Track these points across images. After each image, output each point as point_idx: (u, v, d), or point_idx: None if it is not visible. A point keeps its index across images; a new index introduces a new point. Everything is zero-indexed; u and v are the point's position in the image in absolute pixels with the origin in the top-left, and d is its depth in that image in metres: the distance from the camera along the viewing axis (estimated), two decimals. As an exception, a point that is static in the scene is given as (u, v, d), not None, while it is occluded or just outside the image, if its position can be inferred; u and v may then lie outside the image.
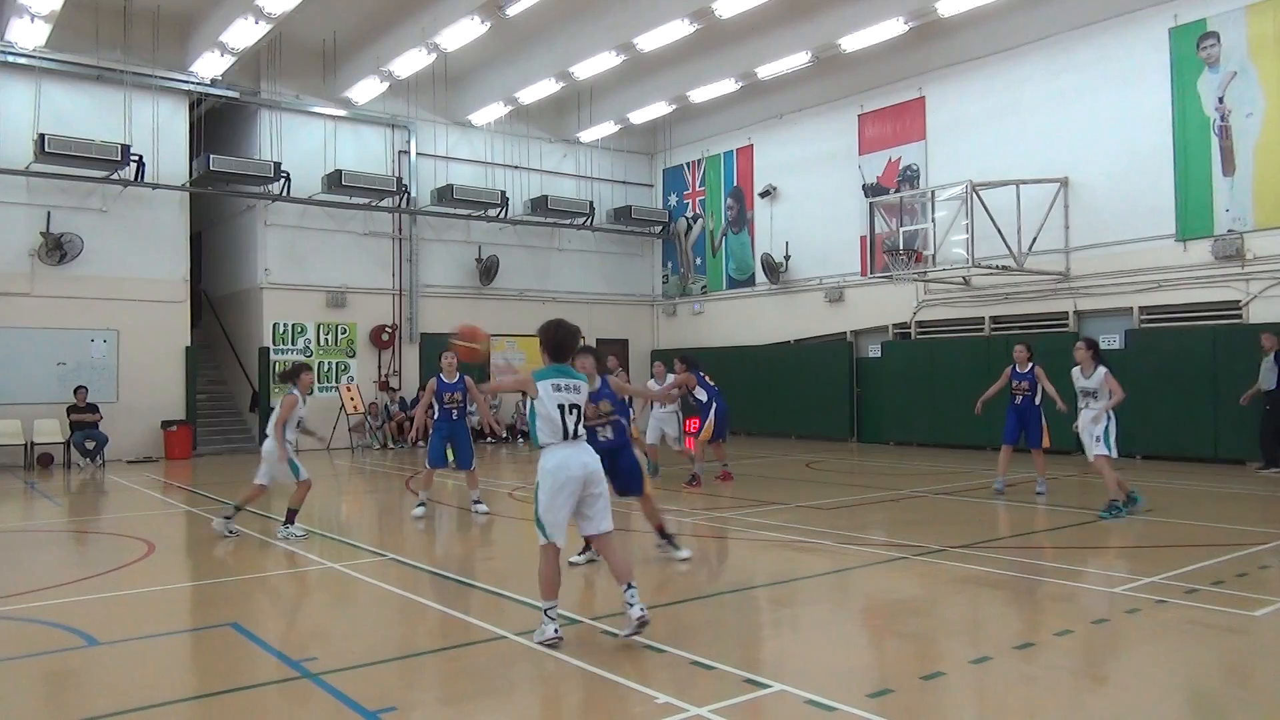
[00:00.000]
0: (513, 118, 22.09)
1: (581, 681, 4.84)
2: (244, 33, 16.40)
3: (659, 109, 21.42)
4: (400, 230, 21.60)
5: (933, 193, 16.60)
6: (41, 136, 16.58)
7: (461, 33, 16.56)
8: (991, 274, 16.70)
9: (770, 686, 4.61)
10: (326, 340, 20.58)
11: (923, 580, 7.04)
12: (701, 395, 12.68)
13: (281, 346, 19.99)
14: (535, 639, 5.31)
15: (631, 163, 25.09)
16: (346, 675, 4.89)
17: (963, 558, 7.69)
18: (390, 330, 21.26)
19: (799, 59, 18.18)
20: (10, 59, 16.99)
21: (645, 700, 4.45)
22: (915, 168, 19.02)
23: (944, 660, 5.15)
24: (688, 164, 24.51)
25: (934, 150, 18.73)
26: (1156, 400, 14.88)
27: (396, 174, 21.17)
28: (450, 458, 10.84)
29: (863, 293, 19.96)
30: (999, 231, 15.74)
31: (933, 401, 17.96)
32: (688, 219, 24.52)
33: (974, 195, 15.51)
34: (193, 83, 18.74)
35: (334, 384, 20.29)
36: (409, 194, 21.29)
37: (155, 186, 18.36)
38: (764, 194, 22.19)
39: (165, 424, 18.29)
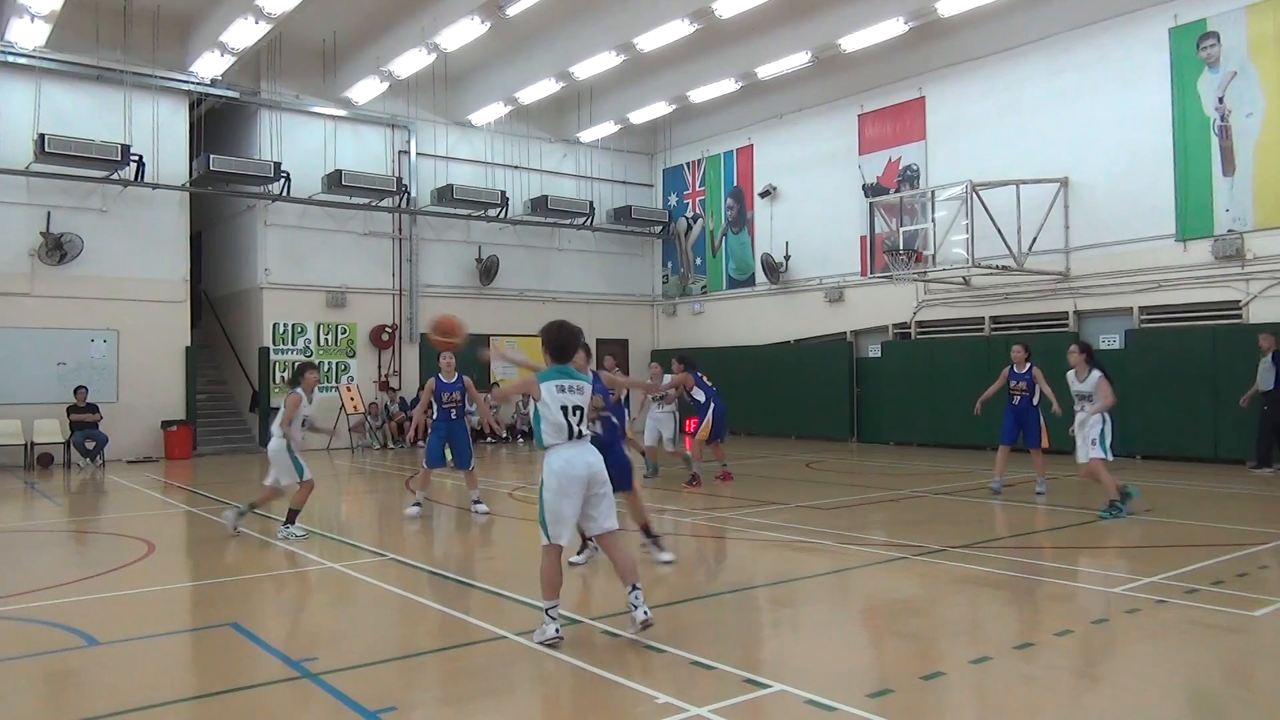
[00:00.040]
0: (513, 118, 22.09)
1: (581, 681, 4.83)
2: (244, 33, 16.41)
3: (659, 109, 21.42)
4: (400, 230, 21.60)
5: (933, 193, 16.60)
6: (41, 136, 16.59)
7: (461, 33, 16.56)
8: (991, 274, 16.70)
9: (770, 686, 4.61)
10: (326, 340, 20.58)
11: (923, 580, 7.04)
12: (699, 395, 12.69)
13: (281, 346, 19.99)
14: (536, 639, 5.31)
15: (631, 163, 25.09)
16: (346, 675, 4.89)
17: (963, 558, 7.69)
18: (390, 330, 21.26)
19: (799, 59, 18.18)
20: (10, 59, 16.99)
21: (645, 700, 4.45)
22: (915, 168, 19.02)
23: (944, 660, 5.15)
24: (688, 164, 24.51)
25: (934, 150, 18.73)
26: (1156, 400, 14.88)
27: (396, 174, 21.17)
28: (448, 458, 10.85)
29: (863, 293, 19.96)
30: (999, 231, 15.74)
31: (933, 401, 17.96)
32: (688, 219, 24.51)
33: (974, 195, 15.51)
34: (193, 83, 18.75)
35: (334, 384, 20.29)
36: (409, 194, 21.29)
37: (155, 186, 18.36)
38: (764, 194, 22.18)
39: (165, 424, 18.30)
